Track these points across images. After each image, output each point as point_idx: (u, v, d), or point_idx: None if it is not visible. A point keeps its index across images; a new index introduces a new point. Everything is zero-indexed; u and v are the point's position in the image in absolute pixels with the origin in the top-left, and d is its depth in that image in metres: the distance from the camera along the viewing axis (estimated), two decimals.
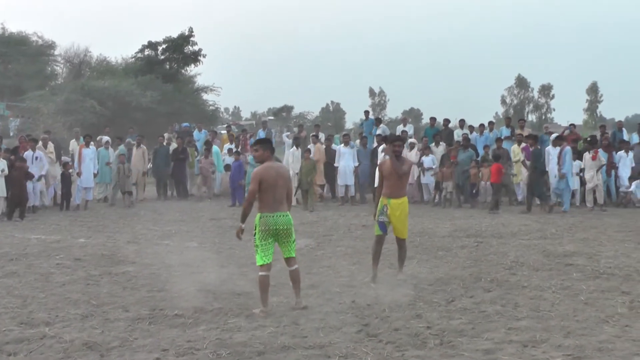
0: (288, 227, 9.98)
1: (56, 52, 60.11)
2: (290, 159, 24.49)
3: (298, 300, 10.09)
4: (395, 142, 11.97)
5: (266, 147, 10.20)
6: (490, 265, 13.19)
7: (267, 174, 9.94)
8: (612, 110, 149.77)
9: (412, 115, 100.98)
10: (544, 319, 9.44)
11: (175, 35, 51.89)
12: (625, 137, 27.30)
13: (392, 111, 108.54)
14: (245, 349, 8.08)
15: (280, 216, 9.95)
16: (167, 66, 52.41)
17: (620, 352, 8.00)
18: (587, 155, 23.61)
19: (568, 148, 22.86)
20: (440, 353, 7.98)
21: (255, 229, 10.08)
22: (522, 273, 12.46)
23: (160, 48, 52.12)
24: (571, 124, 29.40)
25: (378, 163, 22.15)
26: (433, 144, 25.43)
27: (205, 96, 55.55)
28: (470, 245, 15.55)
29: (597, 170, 23.42)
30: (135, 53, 52.45)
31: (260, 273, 9.95)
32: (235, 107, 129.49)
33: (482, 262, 13.54)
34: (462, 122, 29.46)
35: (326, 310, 9.92)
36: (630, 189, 24.18)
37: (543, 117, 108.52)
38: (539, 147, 23.08)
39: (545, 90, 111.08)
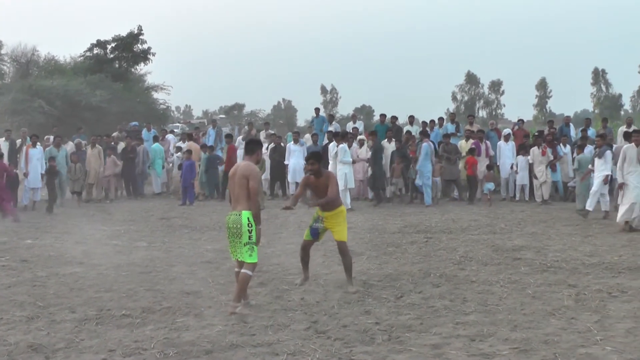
0: (236, 227, 9.73)
1: (2, 52, 59.20)
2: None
3: (232, 304, 9.72)
4: (309, 159, 11.34)
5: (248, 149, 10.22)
6: (440, 261, 13.27)
7: (231, 172, 10.08)
8: (561, 106, 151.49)
9: (364, 112, 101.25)
10: (492, 313, 9.52)
11: (124, 33, 51.45)
12: (573, 132, 27.63)
13: (344, 108, 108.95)
14: (193, 348, 8.03)
15: (231, 215, 9.84)
16: (117, 65, 51.88)
17: (565, 344, 8.08)
18: (535, 150, 23.82)
19: (424, 144, 23.35)
20: (388, 348, 8.00)
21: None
22: (470, 268, 12.55)
23: (109, 47, 51.55)
24: (520, 120, 29.61)
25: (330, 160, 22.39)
26: (385, 140, 25.47)
27: (155, 95, 55.10)
28: (419, 241, 15.62)
29: (547, 166, 23.67)
30: (84, 52, 51.82)
31: (235, 269, 10.09)
32: (186, 105, 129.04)
33: (431, 258, 13.61)
34: (411, 119, 29.60)
35: (275, 307, 9.90)
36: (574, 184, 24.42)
37: (493, 112, 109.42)
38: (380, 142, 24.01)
39: (495, 86, 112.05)
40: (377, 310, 9.63)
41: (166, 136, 31.41)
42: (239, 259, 9.82)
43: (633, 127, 25.11)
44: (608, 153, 19.47)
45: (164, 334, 8.63)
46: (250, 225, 9.65)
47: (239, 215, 9.69)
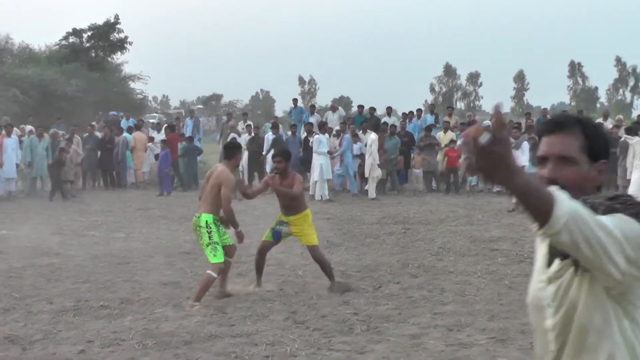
0: (196, 228, 9.78)
1: None
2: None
3: (190, 302, 9.49)
4: (276, 157, 10.96)
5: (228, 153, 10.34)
6: (418, 252, 13.30)
7: (207, 174, 10.28)
8: (539, 98, 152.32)
9: (342, 103, 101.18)
10: (470, 303, 9.57)
11: (100, 22, 51.12)
12: None
13: (322, 99, 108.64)
14: (172, 339, 8.02)
15: (195, 216, 9.93)
16: (93, 54, 51.52)
17: None
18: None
19: (347, 136, 23.71)
20: (366, 339, 8.03)
21: None
22: (448, 259, 12.60)
23: (85, 35, 51.17)
24: None
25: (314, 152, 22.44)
26: (360, 131, 25.48)
27: (132, 85, 54.80)
28: (398, 232, 15.66)
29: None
30: (60, 40, 51.46)
31: None
32: (163, 95, 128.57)
33: (409, 249, 13.65)
34: (389, 110, 29.62)
35: (254, 298, 9.91)
36: None
37: (471, 104, 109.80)
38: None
39: (473, 78, 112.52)
40: (356, 301, 9.65)
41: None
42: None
43: (610, 120, 25.37)
44: (525, 144, 19.72)
45: (143, 325, 8.61)
46: (209, 227, 9.65)
47: (199, 217, 9.76)
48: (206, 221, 9.68)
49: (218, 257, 9.59)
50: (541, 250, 2.86)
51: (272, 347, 7.74)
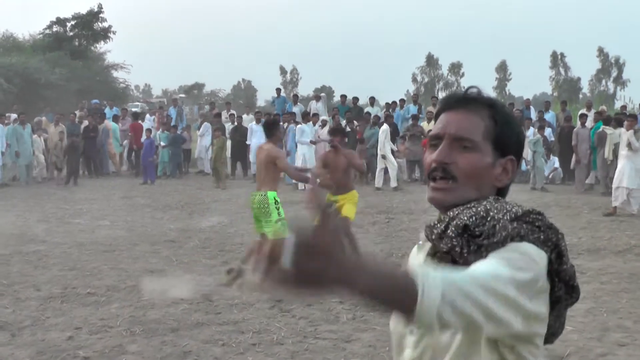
0: (263, 206, 9.91)
1: None
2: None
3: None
4: (334, 133, 11.50)
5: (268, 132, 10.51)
6: (402, 241, 13.36)
7: (259, 152, 10.48)
8: (521, 88, 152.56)
9: (324, 92, 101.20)
10: None
11: (84, 11, 50.92)
12: (533, 115, 27.89)
13: (304, 89, 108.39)
14: (159, 326, 8.07)
15: (256, 195, 10.11)
16: (76, 43, 51.35)
17: None
18: None
19: (292, 126, 24.33)
20: (352, 327, 8.10)
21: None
22: None
23: (68, 24, 50.96)
24: None
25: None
26: (344, 121, 25.55)
27: (115, 74, 54.60)
28: (381, 221, 15.73)
29: None
30: (44, 29, 51.27)
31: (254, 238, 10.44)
32: (146, 84, 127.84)
33: (393, 238, 13.73)
34: (372, 100, 29.74)
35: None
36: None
37: None
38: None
39: (455, 68, 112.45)
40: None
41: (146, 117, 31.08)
42: (263, 232, 10.04)
43: (593, 111, 25.52)
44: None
45: (130, 312, 8.66)
46: (277, 203, 9.90)
47: (264, 195, 9.90)
48: (274, 198, 9.90)
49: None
50: (418, 258, 2.31)
51: (258, 335, 7.80)
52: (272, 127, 10.58)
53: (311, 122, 23.85)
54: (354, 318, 8.46)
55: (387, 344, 7.50)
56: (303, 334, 7.85)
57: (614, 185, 17.48)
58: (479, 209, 2.06)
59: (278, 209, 9.87)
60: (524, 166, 24.82)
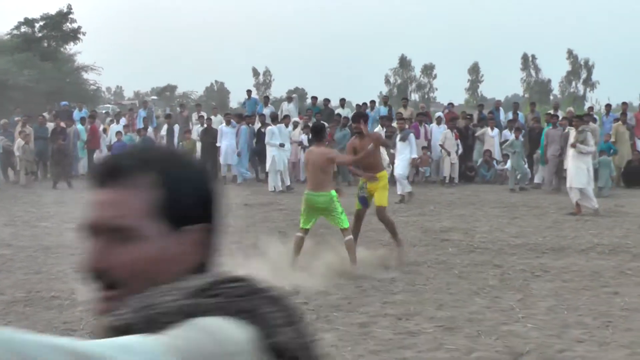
0: (327, 206, 11.03)
1: None
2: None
3: (353, 268, 10.79)
4: (355, 119, 12.44)
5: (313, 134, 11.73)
6: (369, 242, 13.34)
7: (306, 160, 11.60)
8: (493, 90, 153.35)
9: (297, 94, 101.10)
10: (419, 292, 9.75)
11: (53, 12, 50.58)
12: (502, 116, 28.11)
13: (277, 90, 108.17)
14: None
15: (319, 195, 11.06)
16: (46, 44, 51.00)
17: (489, 321, 8.36)
18: (448, 134, 24.43)
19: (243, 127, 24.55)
20: (315, 327, 8.13)
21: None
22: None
23: (37, 25, 50.62)
24: (450, 103, 30.11)
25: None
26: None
27: (86, 75, 54.23)
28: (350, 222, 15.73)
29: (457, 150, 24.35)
30: (11, 30, 50.89)
31: (297, 233, 11.41)
32: (117, 86, 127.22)
33: (360, 239, 13.63)
34: (342, 101, 29.88)
35: None
36: (506, 167, 24.94)
37: (426, 96, 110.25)
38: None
39: (428, 70, 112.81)
40: (306, 290, 9.75)
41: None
42: (307, 228, 11.26)
43: (560, 112, 25.75)
44: (412, 136, 20.13)
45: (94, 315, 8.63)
46: (338, 199, 11.02)
47: (328, 195, 10.93)
48: (335, 195, 10.98)
49: (347, 223, 11.11)
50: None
51: None
52: (319, 132, 11.51)
53: (283, 124, 23.77)
54: (317, 318, 8.52)
55: (350, 343, 7.58)
56: None
57: (567, 186, 17.76)
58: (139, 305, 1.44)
59: (339, 203, 11.06)
60: (498, 167, 25.06)
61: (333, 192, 10.99)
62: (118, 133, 25.86)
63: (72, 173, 26.94)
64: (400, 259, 11.61)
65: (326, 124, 25.55)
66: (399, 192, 19.37)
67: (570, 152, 17.75)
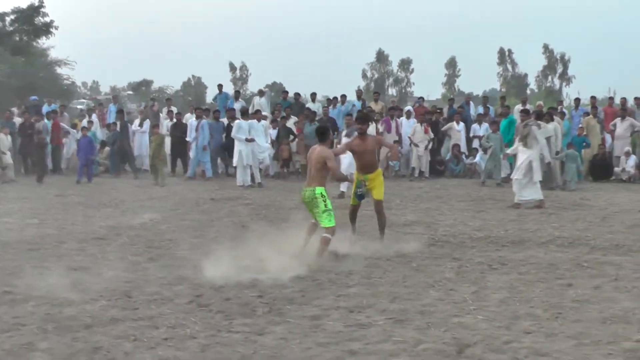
0: (312, 200, 11.51)
1: None
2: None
3: (316, 261, 11.17)
4: (359, 120, 13.36)
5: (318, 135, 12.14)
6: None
7: (308, 155, 12.11)
8: (470, 84, 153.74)
9: (275, 89, 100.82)
10: (374, 285, 9.78)
11: (24, 5, 50.11)
12: (472, 110, 28.21)
13: (255, 85, 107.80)
14: (73, 323, 8.04)
15: (306, 190, 11.61)
16: (17, 38, 50.56)
17: (440, 314, 8.40)
18: (418, 127, 24.52)
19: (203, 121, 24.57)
20: (267, 320, 8.16)
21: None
22: (361, 243, 12.72)
23: (8, 19, 50.18)
24: (420, 97, 30.16)
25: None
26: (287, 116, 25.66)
27: (59, 70, 53.74)
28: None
29: (427, 145, 24.58)
30: None
31: (311, 220, 12.00)
32: (93, 81, 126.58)
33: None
34: (313, 96, 29.93)
35: (161, 282, 9.96)
36: (475, 160, 25.07)
37: (403, 90, 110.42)
38: None
39: (405, 64, 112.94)
40: (263, 284, 9.76)
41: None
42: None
43: (528, 106, 25.87)
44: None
45: (46, 310, 8.60)
46: (323, 196, 11.46)
47: (313, 190, 11.46)
48: (321, 192, 11.45)
49: (332, 222, 11.41)
50: None
51: (172, 330, 7.83)
52: (325, 132, 12.06)
53: (255, 119, 23.51)
54: (270, 311, 8.52)
55: (300, 336, 7.59)
56: (217, 328, 7.89)
57: (512, 178, 18.27)
58: None
59: (325, 202, 11.44)
60: (467, 161, 25.15)
61: (320, 189, 11.48)
62: (83, 128, 25.51)
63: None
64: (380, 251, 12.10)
65: (297, 118, 25.70)
66: (341, 189, 19.56)
67: (518, 145, 17.96)
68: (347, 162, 19.43)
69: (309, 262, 10.93)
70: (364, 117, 13.61)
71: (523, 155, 17.76)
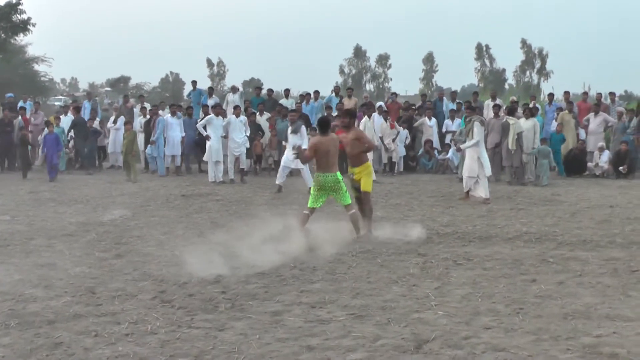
0: (335, 184, 12.83)
1: None
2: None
3: (357, 237, 12.82)
4: (344, 115, 14.09)
5: (320, 127, 13.15)
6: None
7: (320, 144, 12.82)
8: (448, 79, 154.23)
9: (252, 85, 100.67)
10: (338, 281, 9.83)
11: (1, 3, 49.96)
12: (445, 106, 28.31)
13: (232, 81, 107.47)
14: (36, 319, 8.08)
15: (328, 176, 12.79)
16: None
17: (402, 309, 8.46)
18: (384, 124, 24.64)
19: (160, 118, 24.78)
20: (228, 316, 8.22)
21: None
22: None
23: None
24: (393, 93, 30.30)
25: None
26: (257, 113, 25.62)
27: (37, 67, 53.63)
28: (284, 213, 15.74)
29: (393, 139, 24.53)
30: None
31: (304, 211, 13.09)
32: (72, 78, 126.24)
33: (291, 230, 13.76)
34: (286, 92, 30.02)
35: (126, 278, 9.99)
36: (447, 156, 25.19)
37: (380, 86, 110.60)
38: None
39: (382, 60, 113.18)
40: (227, 280, 9.81)
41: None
42: (315, 207, 12.97)
43: (498, 100, 26.06)
44: (303, 128, 20.48)
45: (10, 306, 8.63)
46: (342, 181, 12.92)
47: (335, 175, 12.79)
48: (340, 177, 12.88)
49: (349, 198, 13.03)
50: None
51: (134, 326, 7.87)
52: (325, 125, 13.07)
53: (234, 115, 23.27)
54: (232, 307, 8.58)
55: (259, 332, 7.65)
56: (178, 324, 7.93)
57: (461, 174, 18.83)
58: None
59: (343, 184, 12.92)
60: (440, 157, 25.27)
61: (339, 174, 12.84)
62: (49, 125, 25.18)
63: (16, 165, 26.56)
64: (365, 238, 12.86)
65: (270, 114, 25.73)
66: (277, 182, 20.01)
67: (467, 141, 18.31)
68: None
69: (356, 238, 12.66)
70: (347, 112, 14.22)
71: (470, 151, 18.11)
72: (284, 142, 21.80)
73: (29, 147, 25.53)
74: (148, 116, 26.09)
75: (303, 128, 20.45)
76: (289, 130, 20.48)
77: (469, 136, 18.10)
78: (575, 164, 24.63)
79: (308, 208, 12.97)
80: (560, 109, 26.55)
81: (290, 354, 7.01)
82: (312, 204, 12.91)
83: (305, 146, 20.21)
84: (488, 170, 17.93)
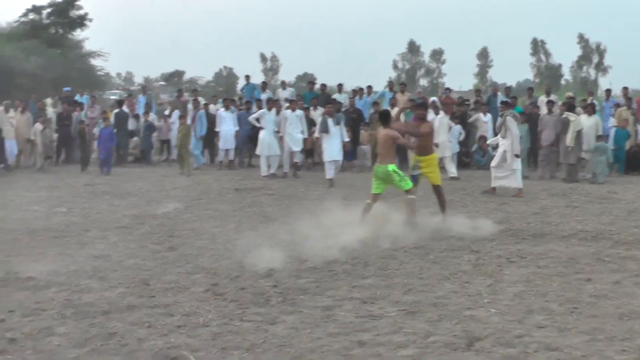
0: (386, 176, 13.27)
1: None
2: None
3: (411, 222, 13.15)
4: (420, 106, 14.96)
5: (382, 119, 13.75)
6: (353, 227, 13.35)
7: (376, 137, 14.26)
8: (503, 75, 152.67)
9: (306, 80, 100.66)
10: (390, 277, 9.81)
11: None
12: (499, 101, 27.97)
13: (285, 76, 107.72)
14: (91, 309, 8.20)
15: (380, 167, 13.44)
16: (53, 31, 51.04)
17: (453, 306, 8.41)
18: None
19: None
20: (280, 310, 8.25)
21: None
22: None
23: (44, 12, 50.68)
24: (447, 88, 30.11)
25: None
26: (312, 107, 25.61)
27: (94, 61, 54.10)
28: (336, 208, 15.61)
29: None
30: (19, 17, 50.96)
31: (367, 200, 13.53)
32: (127, 72, 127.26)
33: (345, 224, 13.69)
34: (340, 86, 29.98)
35: (179, 271, 10.07)
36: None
37: (434, 81, 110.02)
38: None
39: (437, 55, 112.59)
40: (279, 274, 9.84)
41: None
42: (377, 193, 13.47)
43: (552, 96, 25.75)
44: (342, 121, 20.73)
45: (66, 296, 8.77)
46: (395, 172, 13.25)
47: (386, 167, 13.24)
48: (393, 169, 13.25)
49: (408, 184, 13.29)
50: None
51: (186, 318, 7.94)
52: (386, 117, 13.66)
53: (290, 109, 23.22)
54: (283, 301, 8.61)
55: (311, 326, 7.66)
56: (230, 317, 7.98)
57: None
58: None
59: (397, 174, 13.25)
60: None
61: (392, 166, 13.25)
62: (105, 119, 25.28)
63: (75, 159, 26.75)
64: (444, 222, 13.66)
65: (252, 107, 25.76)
66: (327, 177, 20.24)
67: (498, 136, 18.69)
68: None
69: (406, 223, 12.96)
70: (420, 104, 15.26)
71: (501, 145, 18.53)
72: (317, 135, 22.11)
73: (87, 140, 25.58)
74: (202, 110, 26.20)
75: (342, 120, 21.00)
76: (331, 122, 20.55)
77: (501, 131, 18.41)
78: (634, 161, 24.14)
79: (371, 195, 13.46)
80: (618, 105, 26.07)
81: (341, 348, 7.01)
82: (374, 190, 13.46)
83: (346, 138, 20.74)
84: (517, 164, 18.34)
